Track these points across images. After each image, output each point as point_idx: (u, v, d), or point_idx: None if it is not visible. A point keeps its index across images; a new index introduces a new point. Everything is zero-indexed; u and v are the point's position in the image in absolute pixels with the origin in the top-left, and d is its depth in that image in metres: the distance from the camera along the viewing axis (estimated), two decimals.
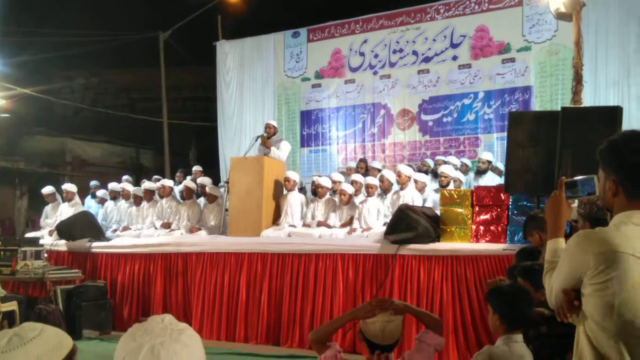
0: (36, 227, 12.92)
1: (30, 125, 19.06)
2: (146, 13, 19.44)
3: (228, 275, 8.25)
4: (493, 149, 10.52)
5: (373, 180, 8.51)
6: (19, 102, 15.19)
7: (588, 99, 8.37)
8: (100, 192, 11.48)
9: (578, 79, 7.01)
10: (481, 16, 10.97)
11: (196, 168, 11.53)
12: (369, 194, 8.36)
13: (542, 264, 2.94)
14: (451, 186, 8.30)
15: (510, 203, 6.91)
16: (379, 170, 9.86)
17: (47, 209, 11.06)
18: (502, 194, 6.92)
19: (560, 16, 7.33)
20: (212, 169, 13.12)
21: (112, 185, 10.99)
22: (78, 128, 20.78)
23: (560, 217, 2.46)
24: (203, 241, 8.83)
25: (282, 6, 17.67)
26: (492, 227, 6.95)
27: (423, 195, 8.49)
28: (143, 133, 20.07)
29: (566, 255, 2.22)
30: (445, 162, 9.34)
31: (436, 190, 8.52)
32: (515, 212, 6.86)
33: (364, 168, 10.35)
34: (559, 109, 6.43)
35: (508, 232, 6.87)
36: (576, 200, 2.61)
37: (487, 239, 6.94)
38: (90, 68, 22.94)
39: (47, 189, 11.04)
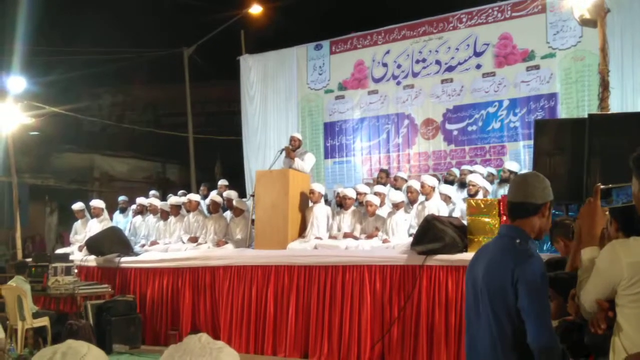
0: (66, 243, 13.11)
1: (59, 143, 19.40)
2: (170, 30, 19.72)
3: (255, 288, 8.28)
4: (519, 157, 10.42)
5: (400, 197, 8.46)
6: (48, 120, 15.45)
7: (615, 105, 8.24)
8: (129, 207, 11.63)
9: (604, 86, 6.93)
10: (504, 24, 10.89)
11: (221, 182, 11.60)
12: (397, 209, 8.33)
13: (566, 272, 2.92)
14: (480, 195, 8.23)
15: None
16: (405, 180, 9.83)
17: (77, 225, 11.21)
18: None
19: (584, 22, 7.26)
20: (237, 182, 13.19)
21: (140, 200, 11.11)
22: (105, 144, 21.10)
23: (595, 225, 2.44)
24: (230, 254, 8.88)
25: (304, 19, 17.79)
26: None
27: (449, 205, 8.44)
28: (169, 148, 20.29)
29: (600, 265, 2.19)
30: (472, 172, 9.27)
31: (463, 200, 8.46)
32: None
33: (385, 178, 10.31)
34: (586, 115, 6.36)
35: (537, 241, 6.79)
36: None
37: None
38: (117, 85, 23.30)
39: (77, 205, 11.19)
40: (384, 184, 9.81)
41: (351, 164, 12.44)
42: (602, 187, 2.45)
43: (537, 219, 2.60)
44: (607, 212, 2.51)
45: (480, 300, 2.63)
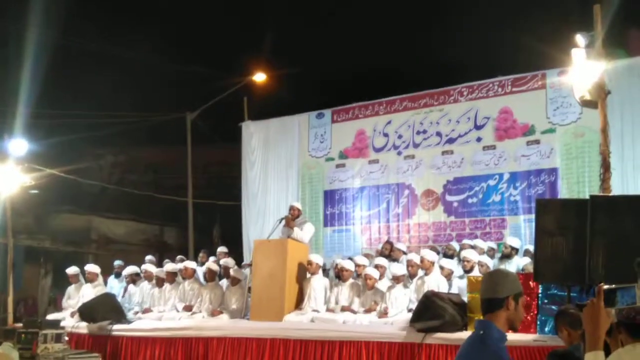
0: (58, 307, 12.88)
1: (57, 204, 19.28)
2: (174, 93, 19.96)
3: None
4: (520, 230, 10.35)
5: (401, 270, 8.34)
6: (48, 180, 15.43)
7: (616, 186, 8.18)
8: (125, 271, 11.41)
9: (606, 167, 6.92)
10: (505, 98, 11.01)
11: (221, 249, 11.48)
12: (397, 282, 8.20)
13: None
14: (476, 271, 8.11)
15: (539, 291, 6.72)
16: (404, 253, 9.73)
17: (70, 289, 11.01)
18: (531, 282, 6.73)
19: (585, 104, 7.31)
20: (235, 248, 13.07)
21: (133, 269, 10.87)
22: (104, 206, 21.02)
23: (599, 327, 2.35)
24: (225, 325, 8.70)
25: (306, 88, 18.04)
26: None
27: (450, 281, 8.30)
28: (168, 211, 20.23)
29: None
30: (472, 247, 9.17)
31: (461, 276, 8.33)
32: (546, 300, 6.66)
33: (389, 250, 10.20)
34: (587, 192, 6.38)
35: (538, 322, 6.65)
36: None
37: None
38: (119, 146, 23.42)
39: (72, 270, 11.03)
40: (388, 256, 9.70)
41: (350, 232, 12.36)
42: (605, 287, 2.38)
43: (503, 312, 2.77)
44: (611, 314, 2.43)
45: None
